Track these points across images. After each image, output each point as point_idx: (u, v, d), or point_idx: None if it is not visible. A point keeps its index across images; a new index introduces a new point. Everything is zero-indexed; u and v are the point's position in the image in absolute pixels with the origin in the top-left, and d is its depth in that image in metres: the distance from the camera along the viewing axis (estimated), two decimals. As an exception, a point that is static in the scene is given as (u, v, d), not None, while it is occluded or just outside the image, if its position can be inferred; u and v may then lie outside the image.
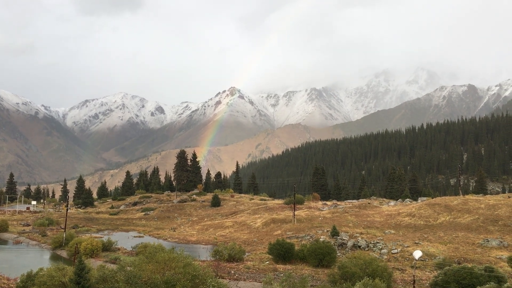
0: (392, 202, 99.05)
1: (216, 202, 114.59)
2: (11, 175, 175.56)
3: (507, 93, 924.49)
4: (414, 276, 36.03)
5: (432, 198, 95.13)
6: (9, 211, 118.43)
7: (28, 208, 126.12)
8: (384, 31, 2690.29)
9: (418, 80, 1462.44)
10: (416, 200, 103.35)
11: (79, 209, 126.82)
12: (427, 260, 50.30)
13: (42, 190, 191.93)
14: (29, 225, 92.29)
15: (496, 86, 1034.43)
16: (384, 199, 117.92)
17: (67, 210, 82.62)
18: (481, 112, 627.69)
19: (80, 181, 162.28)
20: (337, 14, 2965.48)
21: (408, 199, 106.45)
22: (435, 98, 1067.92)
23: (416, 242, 57.50)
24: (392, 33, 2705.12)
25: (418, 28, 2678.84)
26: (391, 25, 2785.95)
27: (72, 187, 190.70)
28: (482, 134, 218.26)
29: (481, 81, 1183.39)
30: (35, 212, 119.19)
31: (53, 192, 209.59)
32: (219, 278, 38.85)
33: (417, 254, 34.05)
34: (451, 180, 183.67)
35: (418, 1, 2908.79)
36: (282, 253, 51.61)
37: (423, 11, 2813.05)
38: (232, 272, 46.07)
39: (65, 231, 68.50)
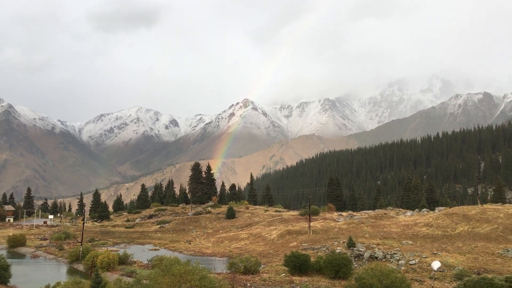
0: (409, 212, 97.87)
1: (231, 214, 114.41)
2: (28, 190, 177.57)
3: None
4: (433, 287, 35.43)
5: (450, 207, 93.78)
6: (27, 225, 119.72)
7: (45, 222, 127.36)
8: (396, 40, 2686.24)
9: (432, 88, 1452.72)
10: (433, 210, 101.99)
11: (95, 223, 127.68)
12: (445, 271, 49.47)
13: (59, 204, 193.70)
14: (46, 239, 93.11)
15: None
16: (401, 209, 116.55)
17: (83, 223, 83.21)
18: (498, 120, 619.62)
19: (96, 195, 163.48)
20: (348, 25, 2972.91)
21: (425, 209, 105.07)
22: (450, 106, 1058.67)
23: (434, 252, 56.64)
24: (405, 42, 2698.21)
25: (431, 36, 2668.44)
26: (404, 34, 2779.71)
27: (88, 200, 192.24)
28: (499, 142, 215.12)
29: (496, 88, 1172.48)
30: (52, 226, 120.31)
31: (69, 206, 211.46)
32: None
33: (436, 265, 33.57)
34: (468, 189, 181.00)
35: (430, 10, 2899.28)
36: (298, 265, 51.21)
37: (436, 19, 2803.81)
38: (248, 284, 45.84)
39: (81, 245, 68.97)
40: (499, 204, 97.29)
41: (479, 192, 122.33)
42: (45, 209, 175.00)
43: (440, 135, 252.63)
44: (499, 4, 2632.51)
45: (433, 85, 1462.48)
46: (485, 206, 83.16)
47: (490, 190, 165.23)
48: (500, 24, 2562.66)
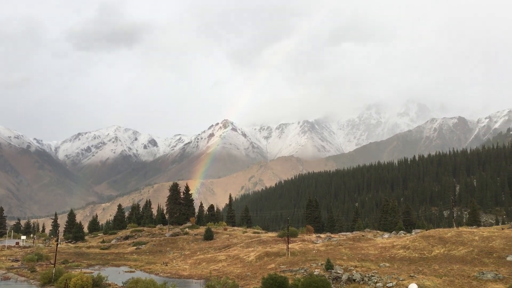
0: (386, 235, 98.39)
1: (209, 236, 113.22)
2: (1, 210, 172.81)
3: (496, 125, 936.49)
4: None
5: (426, 230, 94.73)
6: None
7: (17, 243, 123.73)
8: (375, 65, 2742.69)
9: (409, 112, 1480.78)
10: (410, 232, 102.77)
11: (69, 244, 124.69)
12: (422, 293, 49.63)
13: (32, 225, 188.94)
14: (18, 260, 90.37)
15: (485, 118, 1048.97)
16: (378, 231, 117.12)
17: (57, 245, 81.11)
18: (472, 144, 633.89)
19: (71, 215, 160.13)
20: (328, 49, 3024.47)
21: (402, 231, 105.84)
22: (426, 130, 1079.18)
23: (411, 275, 56.89)
24: (382, 66, 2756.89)
25: (407, 61, 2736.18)
26: (382, 59, 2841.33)
27: (62, 221, 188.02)
28: (473, 165, 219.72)
29: (471, 113, 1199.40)
30: (25, 247, 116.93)
31: (43, 227, 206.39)
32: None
33: (413, 287, 33.70)
34: (444, 212, 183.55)
35: (408, 36, 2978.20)
36: (276, 287, 50.75)
37: (412, 45, 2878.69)
38: (225, 307, 45.10)
39: (54, 267, 67.12)
40: (474, 227, 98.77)
41: (454, 215, 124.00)
42: (17, 230, 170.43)
43: (417, 158, 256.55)
44: (474, 32, 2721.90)
45: (410, 109, 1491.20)
46: (460, 229, 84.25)
47: (465, 213, 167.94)
48: (474, 51, 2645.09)
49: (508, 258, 61.30)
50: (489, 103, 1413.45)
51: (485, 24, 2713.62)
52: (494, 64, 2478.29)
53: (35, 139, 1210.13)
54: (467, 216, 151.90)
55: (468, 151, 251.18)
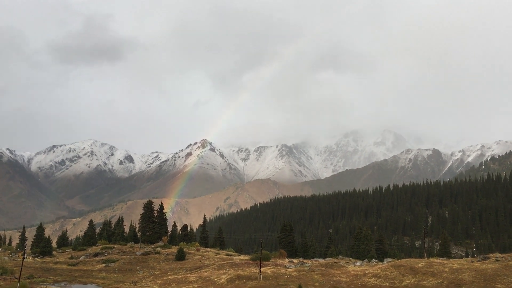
0: (359, 262, 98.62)
1: (180, 256, 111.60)
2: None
3: (469, 159, 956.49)
4: None
5: (398, 259, 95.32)
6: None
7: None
8: (353, 94, 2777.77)
9: (385, 141, 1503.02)
10: (382, 261, 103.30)
11: (36, 259, 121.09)
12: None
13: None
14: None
15: (459, 151, 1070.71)
16: (351, 258, 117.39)
17: (23, 259, 78.84)
18: (446, 176, 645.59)
19: (40, 229, 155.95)
20: (309, 76, 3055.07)
21: (374, 260, 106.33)
22: (402, 160, 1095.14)
23: (382, 304, 56.94)
24: (361, 95, 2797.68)
25: (385, 92, 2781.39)
26: (360, 88, 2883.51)
27: (31, 234, 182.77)
28: (446, 197, 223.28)
29: (445, 146, 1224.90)
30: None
31: (10, 239, 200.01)
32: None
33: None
34: (416, 242, 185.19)
35: (385, 67, 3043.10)
36: (246, 311, 50.11)
37: (390, 76, 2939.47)
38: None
39: (19, 281, 65.03)
40: (445, 258, 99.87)
41: (426, 246, 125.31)
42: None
43: (391, 188, 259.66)
44: (449, 66, 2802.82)
45: (386, 139, 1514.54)
46: (431, 259, 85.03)
47: (437, 244, 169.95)
48: (449, 85, 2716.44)
49: (477, 291, 61.95)
50: (463, 137, 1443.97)
51: (463, 58, 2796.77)
52: (469, 98, 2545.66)
53: (7, 149, 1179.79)
54: (438, 247, 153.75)
55: (441, 183, 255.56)
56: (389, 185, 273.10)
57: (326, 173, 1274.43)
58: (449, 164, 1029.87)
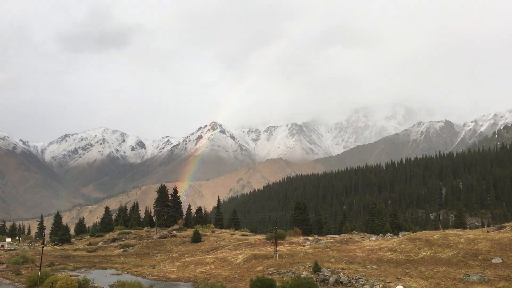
0: (374, 237, 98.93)
1: (196, 238, 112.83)
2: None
3: (482, 129, 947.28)
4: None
5: (413, 232, 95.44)
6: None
7: (2, 246, 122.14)
8: (362, 69, 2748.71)
9: (396, 115, 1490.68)
10: (397, 234, 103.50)
11: (55, 246, 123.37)
12: (409, 295, 49.94)
13: (18, 227, 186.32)
14: (2, 263, 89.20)
15: (471, 122, 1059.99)
16: (366, 233, 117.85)
17: (43, 247, 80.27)
18: (458, 147, 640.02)
19: (57, 217, 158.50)
20: (316, 53, 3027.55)
21: (389, 234, 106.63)
22: (413, 133, 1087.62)
23: (398, 277, 57.25)
24: (370, 70, 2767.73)
25: (394, 65, 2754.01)
26: (369, 62, 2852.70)
27: (49, 223, 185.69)
28: (459, 169, 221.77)
29: (457, 117, 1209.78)
30: (10, 249, 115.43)
31: (29, 229, 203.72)
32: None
33: (399, 289, 33.90)
34: (431, 214, 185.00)
35: (395, 40, 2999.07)
36: (264, 290, 50.73)
37: (400, 49, 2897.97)
38: (213, 310, 44.97)
39: (40, 269, 66.37)
40: (460, 229, 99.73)
41: (441, 218, 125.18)
42: (2, 232, 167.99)
43: (404, 161, 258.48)
44: (460, 35, 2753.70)
45: (397, 113, 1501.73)
46: (446, 231, 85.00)
47: (451, 215, 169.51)
48: (460, 55, 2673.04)
49: (494, 261, 61.99)
50: (475, 107, 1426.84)
51: (472, 28, 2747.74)
52: (480, 68, 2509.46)
53: (21, 140, 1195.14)
54: (453, 218, 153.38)
55: (454, 154, 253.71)
56: (401, 159, 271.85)
57: (337, 150, 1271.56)
58: (462, 135, 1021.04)
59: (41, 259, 72.13)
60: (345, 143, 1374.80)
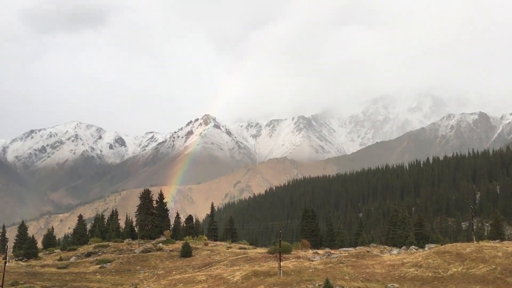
0: (395, 250, 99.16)
1: (186, 252, 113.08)
2: None
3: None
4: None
5: (441, 245, 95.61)
6: None
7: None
8: (382, 53, 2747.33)
9: (422, 107, 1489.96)
10: (422, 247, 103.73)
11: (20, 262, 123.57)
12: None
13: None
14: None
15: (511, 114, 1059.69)
16: (386, 246, 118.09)
17: (5, 263, 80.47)
18: (495, 144, 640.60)
19: (22, 228, 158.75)
20: (328, 33, 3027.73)
21: (413, 246, 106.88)
22: (442, 128, 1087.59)
23: (424, 297, 57.37)
24: (392, 54, 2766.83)
25: (420, 48, 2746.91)
26: (391, 46, 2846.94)
27: (12, 235, 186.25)
28: (496, 169, 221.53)
29: (493, 108, 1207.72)
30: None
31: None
32: None
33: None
34: (462, 223, 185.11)
35: (420, 19, 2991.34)
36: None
37: (426, 30, 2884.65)
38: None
39: (2, 289, 66.52)
40: (497, 241, 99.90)
41: (474, 227, 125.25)
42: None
43: (431, 161, 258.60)
44: (496, 16, 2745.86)
45: (423, 103, 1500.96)
46: (481, 243, 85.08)
47: (487, 224, 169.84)
48: (497, 36, 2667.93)
49: (536, 278, 62.05)
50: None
51: (503, 7, 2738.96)
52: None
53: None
54: (489, 228, 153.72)
55: (491, 152, 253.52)
56: (428, 158, 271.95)
57: (352, 148, 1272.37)
58: (499, 130, 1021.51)
59: (3, 278, 72.32)
60: (361, 140, 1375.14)
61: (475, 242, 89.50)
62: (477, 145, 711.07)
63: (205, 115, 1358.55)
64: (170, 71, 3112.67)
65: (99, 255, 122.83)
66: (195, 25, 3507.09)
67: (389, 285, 64.54)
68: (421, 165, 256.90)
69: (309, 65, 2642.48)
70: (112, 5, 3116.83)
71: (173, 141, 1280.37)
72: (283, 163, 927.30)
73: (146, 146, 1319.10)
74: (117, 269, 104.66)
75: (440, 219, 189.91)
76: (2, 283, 71.12)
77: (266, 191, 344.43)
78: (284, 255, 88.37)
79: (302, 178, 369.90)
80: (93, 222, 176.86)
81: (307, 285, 67.36)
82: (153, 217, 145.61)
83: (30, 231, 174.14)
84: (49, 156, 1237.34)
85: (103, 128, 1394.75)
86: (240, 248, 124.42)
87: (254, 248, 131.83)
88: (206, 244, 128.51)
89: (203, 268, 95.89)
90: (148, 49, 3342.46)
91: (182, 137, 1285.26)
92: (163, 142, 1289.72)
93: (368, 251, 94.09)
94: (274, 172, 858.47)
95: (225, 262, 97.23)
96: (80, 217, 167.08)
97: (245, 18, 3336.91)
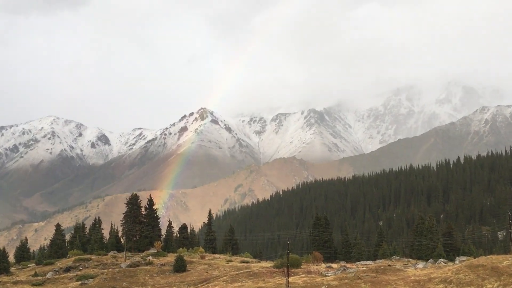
0: (421, 264, 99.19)
1: (180, 266, 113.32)
2: None
3: None
4: None
5: (474, 257, 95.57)
6: None
7: None
8: (405, 36, 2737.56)
9: (451, 98, 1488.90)
10: (452, 260, 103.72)
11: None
12: None
13: None
14: None
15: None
16: (410, 259, 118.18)
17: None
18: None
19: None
20: (342, 14, 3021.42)
21: (442, 260, 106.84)
22: (475, 122, 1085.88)
23: (455, 318, 57.38)
24: (417, 38, 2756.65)
25: (450, 32, 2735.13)
26: (415, 28, 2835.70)
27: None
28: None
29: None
30: None
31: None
32: None
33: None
34: (499, 233, 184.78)
35: (448, 0, 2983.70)
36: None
37: (456, 10, 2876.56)
38: None
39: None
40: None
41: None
42: None
43: (462, 161, 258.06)
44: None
45: (452, 94, 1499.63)
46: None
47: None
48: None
49: None
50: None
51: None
52: None
53: None
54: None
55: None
56: (458, 157, 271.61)
57: (371, 146, 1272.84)
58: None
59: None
60: (381, 136, 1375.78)
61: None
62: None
63: (201, 108, 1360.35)
64: (160, 58, 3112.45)
65: (80, 270, 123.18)
66: (190, 5, 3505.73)
67: (414, 304, 64.57)
68: (451, 166, 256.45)
69: (320, 51, 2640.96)
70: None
71: (164, 138, 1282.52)
72: (291, 163, 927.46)
73: (133, 144, 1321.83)
74: (101, 286, 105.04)
75: (473, 227, 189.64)
76: (-31, 302, 71.52)
77: (271, 196, 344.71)
78: (292, 270, 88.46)
79: (313, 180, 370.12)
80: (72, 232, 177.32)
81: (320, 304, 67.47)
82: (141, 226, 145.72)
83: (1, 243, 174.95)
84: (21, 157, 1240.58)
85: (83, 124, 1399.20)
86: (242, 262, 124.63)
87: (258, 261, 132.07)
88: (203, 257, 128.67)
89: (200, 285, 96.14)
90: (136, 33, 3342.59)
91: (174, 134, 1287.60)
92: (153, 139, 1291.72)
93: (389, 265, 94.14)
94: (280, 174, 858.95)
95: (225, 277, 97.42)
96: (58, 226, 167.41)
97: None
